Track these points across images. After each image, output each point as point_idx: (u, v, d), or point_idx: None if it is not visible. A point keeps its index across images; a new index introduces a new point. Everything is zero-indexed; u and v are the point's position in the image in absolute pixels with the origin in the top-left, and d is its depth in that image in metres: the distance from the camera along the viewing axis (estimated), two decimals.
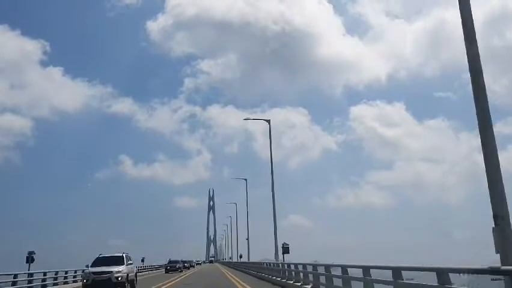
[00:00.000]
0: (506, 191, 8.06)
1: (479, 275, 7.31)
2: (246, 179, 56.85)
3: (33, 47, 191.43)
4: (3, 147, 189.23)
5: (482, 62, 8.73)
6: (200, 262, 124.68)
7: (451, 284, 7.51)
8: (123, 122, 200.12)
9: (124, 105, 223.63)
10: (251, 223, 61.54)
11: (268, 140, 32.50)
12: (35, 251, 32.76)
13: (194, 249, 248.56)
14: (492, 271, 6.61)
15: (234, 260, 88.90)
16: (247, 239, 62.22)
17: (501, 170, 8.11)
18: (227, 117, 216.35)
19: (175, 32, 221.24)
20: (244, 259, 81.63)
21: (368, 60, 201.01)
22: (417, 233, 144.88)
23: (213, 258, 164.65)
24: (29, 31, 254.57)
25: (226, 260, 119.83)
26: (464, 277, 7.40)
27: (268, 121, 32.37)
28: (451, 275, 7.58)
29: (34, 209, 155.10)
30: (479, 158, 8.39)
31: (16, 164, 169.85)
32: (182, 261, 65.31)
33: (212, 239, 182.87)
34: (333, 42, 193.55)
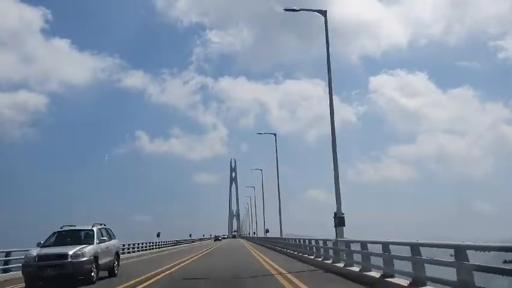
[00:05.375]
0: None
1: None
2: (275, 134, 49.31)
3: (34, 15, 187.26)
4: (19, 123, 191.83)
5: None
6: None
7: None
8: (136, 96, 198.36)
9: (135, 79, 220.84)
10: (274, 198, 53.64)
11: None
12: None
13: (216, 224, 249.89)
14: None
15: (260, 235, 79.54)
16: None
17: None
18: (239, 90, 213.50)
19: None
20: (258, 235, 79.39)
21: (387, 25, 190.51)
22: (440, 207, 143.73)
23: (236, 233, 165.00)
24: None
25: (249, 236, 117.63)
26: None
27: (324, 12, 21.77)
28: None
29: (54, 186, 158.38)
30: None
31: (33, 140, 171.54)
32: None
33: (235, 213, 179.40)
34: (349, 2, 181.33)
